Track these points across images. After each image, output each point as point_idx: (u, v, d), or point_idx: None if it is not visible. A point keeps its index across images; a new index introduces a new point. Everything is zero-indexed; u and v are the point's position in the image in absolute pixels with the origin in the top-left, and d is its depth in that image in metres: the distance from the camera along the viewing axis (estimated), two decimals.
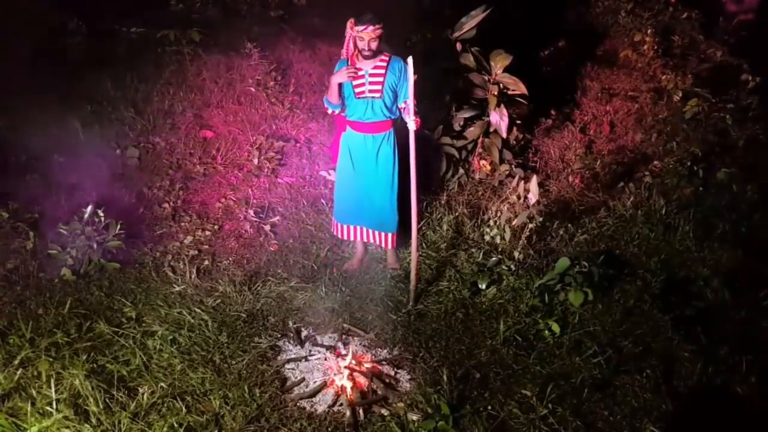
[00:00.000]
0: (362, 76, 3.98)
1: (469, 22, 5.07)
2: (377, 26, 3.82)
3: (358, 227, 4.41)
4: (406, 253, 4.44)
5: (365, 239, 4.45)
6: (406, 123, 3.87)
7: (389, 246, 4.42)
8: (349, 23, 3.88)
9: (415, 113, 3.86)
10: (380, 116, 4.07)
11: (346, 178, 4.27)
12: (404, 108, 3.97)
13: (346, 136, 4.21)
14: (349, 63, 3.99)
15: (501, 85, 4.99)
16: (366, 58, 3.96)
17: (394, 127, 4.18)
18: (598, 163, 5.63)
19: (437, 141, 5.13)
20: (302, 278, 4.32)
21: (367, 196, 4.25)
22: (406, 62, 3.69)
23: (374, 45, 3.88)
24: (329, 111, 4.14)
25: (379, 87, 3.99)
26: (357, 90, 4.02)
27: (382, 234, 4.37)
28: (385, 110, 4.06)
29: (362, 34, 3.84)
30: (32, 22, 6.05)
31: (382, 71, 3.98)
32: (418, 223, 4.03)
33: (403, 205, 4.13)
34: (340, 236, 4.50)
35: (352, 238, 4.47)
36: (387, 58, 4.01)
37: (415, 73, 3.66)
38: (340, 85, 3.98)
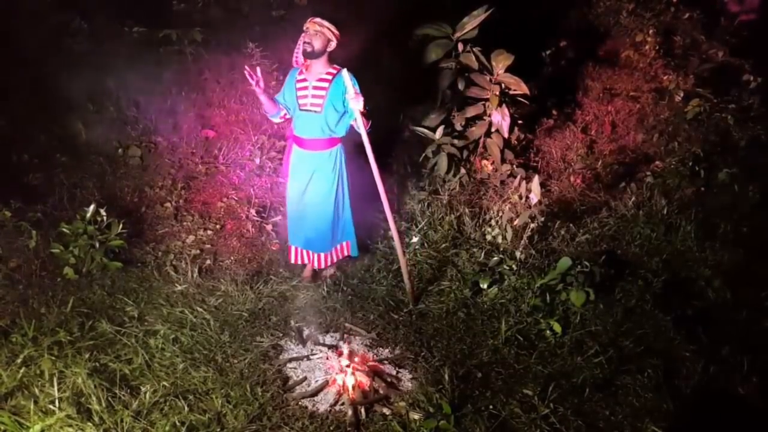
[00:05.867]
0: (307, 84, 3.72)
1: (471, 22, 5.06)
2: (320, 21, 3.55)
3: (309, 252, 4.17)
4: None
5: (317, 266, 4.20)
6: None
7: (351, 253, 4.26)
8: None
9: (366, 117, 3.57)
10: (319, 133, 3.76)
11: (290, 195, 4.05)
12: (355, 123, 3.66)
13: (292, 151, 3.98)
14: (299, 72, 3.78)
15: (503, 85, 5.00)
16: (307, 56, 3.65)
17: (340, 146, 3.89)
18: (600, 163, 5.63)
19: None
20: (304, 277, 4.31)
21: (309, 215, 4.01)
22: (347, 74, 3.43)
23: (317, 44, 3.58)
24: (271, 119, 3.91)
25: (320, 101, 3.69)
26: (300, 101, 3.74)
27: (336, 249, 4.17)
28: (326, 128, 3.75)
29: (305, 27, 3.58)
30: (34, 21, 6.06)
31: (326, 84, 3.67)
32: (397, 225, 3.85)
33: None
34: (294, 261, 4.25)
35: (307, 263, 4.25)
36: (335, 72, 3.70)
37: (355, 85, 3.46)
38: (270, 93, 3.73)
